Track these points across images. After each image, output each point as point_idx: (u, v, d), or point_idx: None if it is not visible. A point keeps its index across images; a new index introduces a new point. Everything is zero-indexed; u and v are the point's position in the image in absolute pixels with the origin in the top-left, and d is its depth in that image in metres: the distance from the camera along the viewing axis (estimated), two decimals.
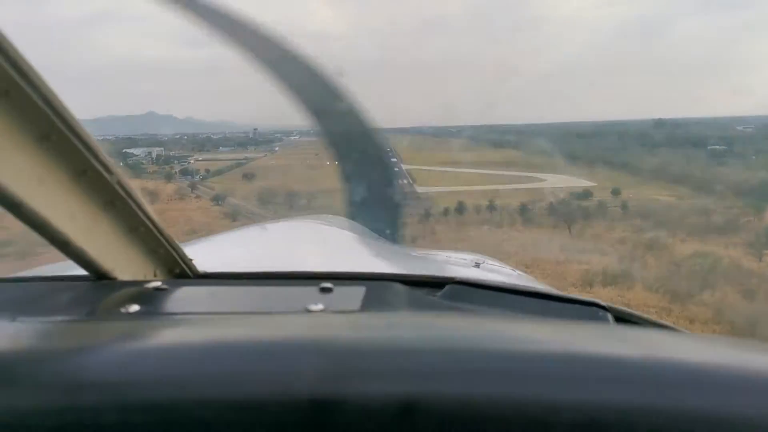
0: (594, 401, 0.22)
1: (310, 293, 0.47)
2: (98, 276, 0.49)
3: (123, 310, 0.41)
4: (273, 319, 0.35)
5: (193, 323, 0.33)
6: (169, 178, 11.91)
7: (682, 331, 0.53)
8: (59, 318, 0.38)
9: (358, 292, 0.48)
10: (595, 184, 11.52)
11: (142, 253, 0.53)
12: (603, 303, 0.50)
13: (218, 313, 0.43)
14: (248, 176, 14.62)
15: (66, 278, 0.52)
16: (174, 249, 0.54)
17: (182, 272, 0.56)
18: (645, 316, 0.55)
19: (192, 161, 16.29)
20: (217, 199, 8.14)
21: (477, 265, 0.94)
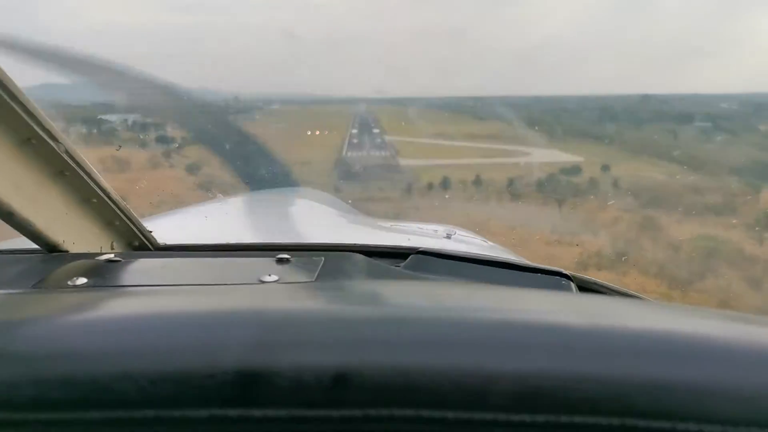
0: (537, 370, 0.22)
1: (267, 264, 0.47)
2: (50, 249, 0.48)
3: (70, 282, 0.40)
4: (220, 291, 0.33)
5: (135, 295, 0.31)
6: (143, 145, 11.57)
7: (646, 299, 0.51)
8: (2, 291, 0.37)
9: (315, 262, 0.47)
10: (583, 159, 11.42)
11: (98, 225, 0.52)
12: (567, 272, 0.51)
13: (167, 285, 0.42)
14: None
15: (18, 251, 0.51)
16: (131, 221, 0.53)
17: (141, 245, 0.56)
18: (610, 285, 0.55)
19: (169, 128, 15.89)
20: (192, 169, 7.94)
21: (448, 236, 0.93)
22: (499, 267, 0.53)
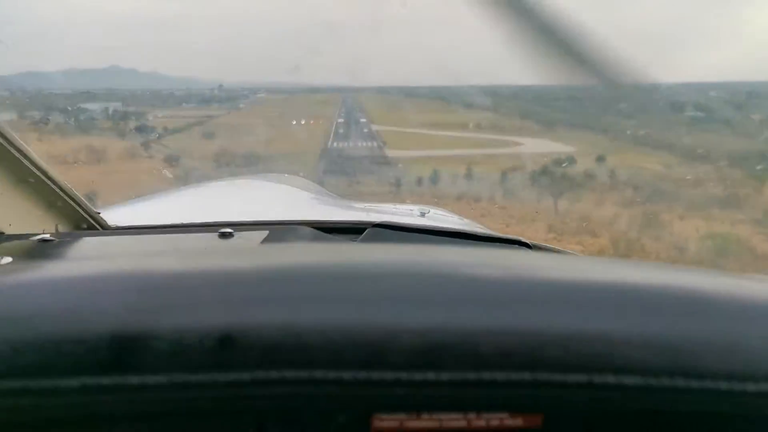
0: (440, 323, 0.21)
1: (208, 239, 0.47)
2: None
3: None
4: (149, 258, 0.30)
5: (32, 269, 0.28)
6: (122, 135, 11.25)
7: (598, 258, 0.49)
8: None
9: (258, 236, 0.47)
10: (577, 150, 11.25)
11: (39, 207, 0.51)
12: (527, 240, 0.51)
13: (96, 258, 0.40)
14: (208, 135, 13.98)
15: None
16: (75, 202, 0.53)
17: (90, 227, 0.56)
18: (570, 252, 0.55)
19: (151, 118, 15.62)
20: (171, 160, 7.72)
21: (422, 215, 0.92)
22: (459, 237, 0.52)
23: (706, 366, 0.21)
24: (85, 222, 0.55)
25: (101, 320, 0.21)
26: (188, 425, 0.21)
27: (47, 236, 0.46)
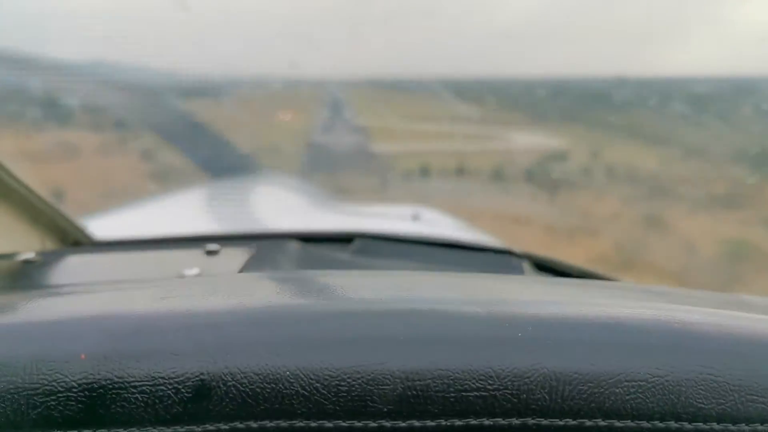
0: (424, 367, 0.20)
1: (195, 256, 0.47)
2: None
3: None
4: (125, 293, 0.31)
5: (25, 299, 0.27)
6: (98, 129, 10.98)
7: (597, 280, 0.49)
8: None
9: (245, 253, 0.48)
10: (569, 144, 11.09)
11: (23, 223, 0.51)
12: (517, 251, 0.53)
13: (70, 285, 0.38)
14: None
15: None
16: (61, 217, 0.54)
17: (76, 241, 0.56)
18: (569, 264, 0.55)
19: (132, 110, 15.34)
20: (146, 155, 7.45)
21: (415, 218, 0.90)
22: (448, 248, 0.52)
23: (698, 407, 0.20)
24: (71, 236, 0.53)
25: (73, 369, 0.20)
26: None
27: (31, 256, 0.45)
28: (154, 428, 0.19)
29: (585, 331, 0.21)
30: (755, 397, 0.20)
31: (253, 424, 0.19)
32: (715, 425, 0.19)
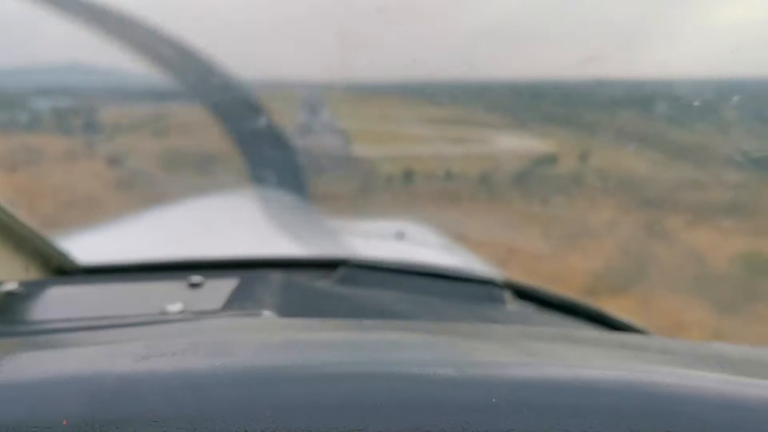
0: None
1: (178, 290, 0.49)
2: None
3: None
4: (107, 348, 0.31)
5: (7, 351, 0.27)
6: (67, 133, 10.66)
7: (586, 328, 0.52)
8: None
9: (228, 286, 0.49)
10: (556, 147, 11.04)
11: (7, 249, 0.51)
12: (499, 281, 0.56)
13: (55, 325, 0.41)
14: (159, 133, 13.51)
15: None
16: (44, 242, 0.55)
17: (59, 265, 0.57)
18: (549, 292, 0.56)
19: (104, 115, 15.16)
20: (115, 161, 7.11)
21: (399, 237, 0.94)
22: (432, 277, 0.54)
23: None
24: (55, 261, 0.54)
25: None
26: None
27: (14, 287, 0.46)
28: None
29: (557, 396, 0.22)
30: None
31: None
32: None
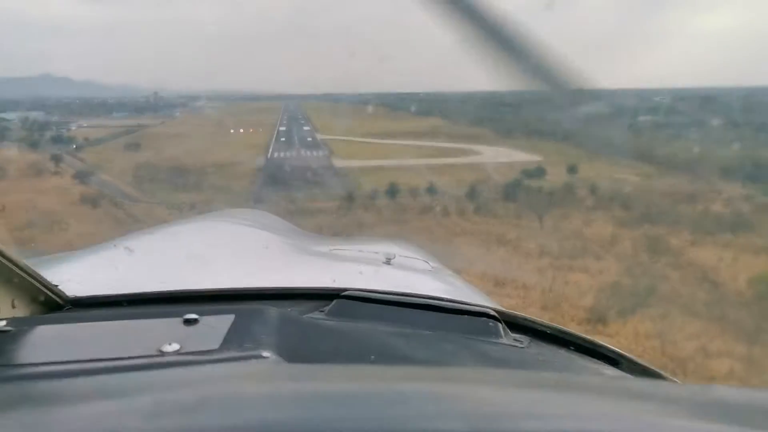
0: None
1: (173, 327, 0.45)
2: None
3: None
4: (105, 381, 0.31)
5: None
6: (34, 146, 10.26)
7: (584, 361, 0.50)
8: None
9: (224, 323, 0.45)
10: (541, 159, 10.81)
11: None
12: (493, 312, 0.52)
13: (48, 368, 0.37)
14: (132, 147, 13.08)
15: None
16: (31, 276, 0.52)
17: (47, 299, 0.54)
18: (541, 322, 0.54)
19: (74, 127, 14.77)
20: (82, 176, 6.73)
21: (388, 261, 0.91)
22: (425, 309, 0.52)
23: None
24: (42, 295, 0.51)
25: None
26: None
27: (2, 324, 0.43)
28: None
29: None
30: None
31: None
32: None
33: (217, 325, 0.45)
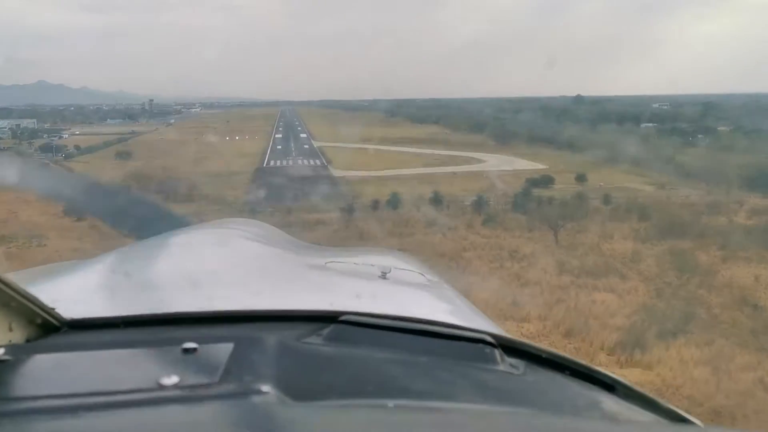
0: None
1: (171, 357, 0.46)
2: None
3: None
4: (104, 418, 0.32)
5: None
6: (21, 155, 10.17)
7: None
8: None
9: (222, 352, 0.46)
10: (547, 167, 10.57)
11: None
12: (491, 339, 0.53)
13: (46, 402, 0.37)
14: (123, 155, 12.87)
15: None
16: (27, 299, 0.52)
17: (44, 322, 0.54)
18: (539, 347, 0.55)
19: (66, 135, 14.64)
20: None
21: (384, 275, 0.91)
22: (422, 335, 0.54)
23: None
24: (39, 318, 0.52)
25: None
26: None
27: (0, 353, 0.44)
28: None
29: None
30: None
31: None
32: None
33: (215, 354, 0.45)
